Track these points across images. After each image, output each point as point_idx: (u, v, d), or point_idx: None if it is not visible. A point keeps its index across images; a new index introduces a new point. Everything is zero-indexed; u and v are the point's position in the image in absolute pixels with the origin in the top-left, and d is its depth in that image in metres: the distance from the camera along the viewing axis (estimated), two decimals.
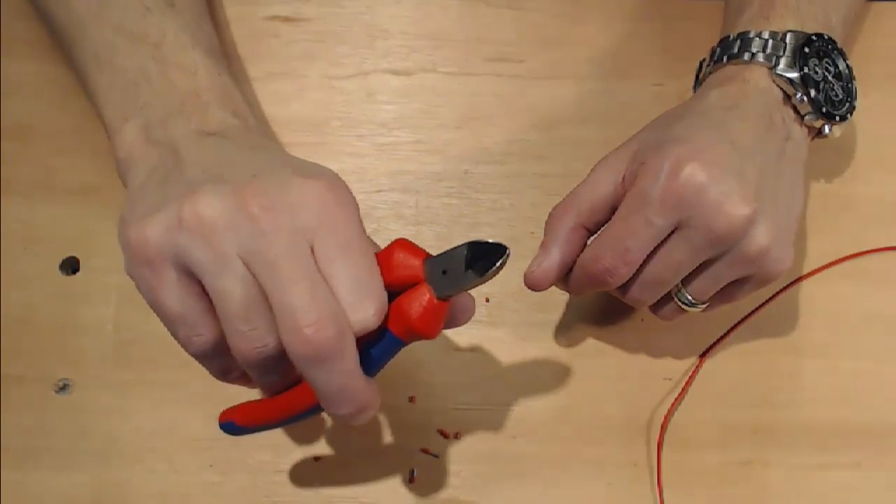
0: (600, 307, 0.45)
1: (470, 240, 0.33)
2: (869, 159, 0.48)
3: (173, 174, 0.34)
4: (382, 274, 0.33)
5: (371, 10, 0.49)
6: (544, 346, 0.45)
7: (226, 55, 0.45)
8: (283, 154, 0.37)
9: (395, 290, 0.33)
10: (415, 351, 0.44)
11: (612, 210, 0.38)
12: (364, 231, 0.33)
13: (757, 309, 0.45)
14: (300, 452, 0.43)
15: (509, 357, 0.44)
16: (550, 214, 0.40)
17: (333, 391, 0.32)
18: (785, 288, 0.45)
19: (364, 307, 0.32)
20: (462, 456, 0.43)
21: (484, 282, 0.32)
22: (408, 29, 0.49)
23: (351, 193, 0.34)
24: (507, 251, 0.32)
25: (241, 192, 0.31)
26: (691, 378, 0.44)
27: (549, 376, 0.44)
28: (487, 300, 0.45)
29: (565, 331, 0.45)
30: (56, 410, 0.43)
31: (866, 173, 0.47)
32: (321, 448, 0.43)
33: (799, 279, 0.46)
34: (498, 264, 0.32)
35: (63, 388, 0.43)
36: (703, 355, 0.44)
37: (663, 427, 0.43)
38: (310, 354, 0.31)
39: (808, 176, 0.47)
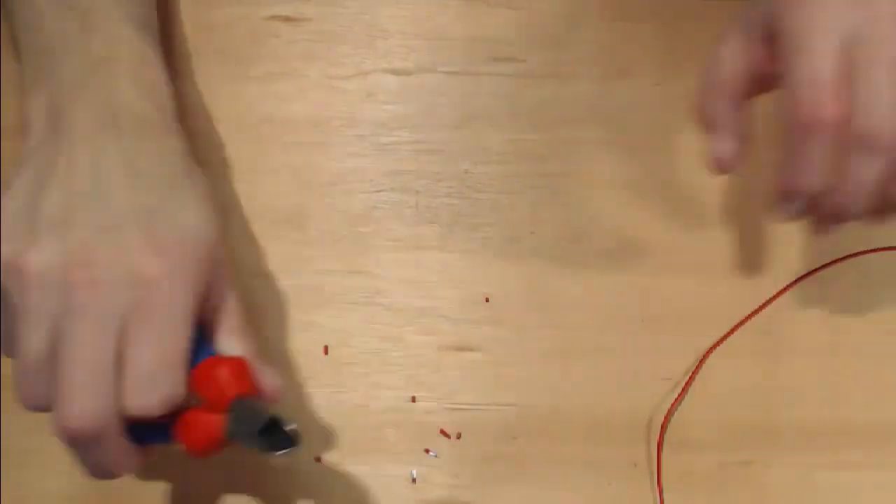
0: (600, 307, 0.45)
1: (276, 415, 0.34)
2: None
3: (46, 185, 0.34)
4: (199, 377, 0.34)
5: (371, 10, 0.49)
6: (544, 346, 0.45)
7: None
8: (167, 179, 0.36)
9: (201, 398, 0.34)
10: (415, 351, 0.44)
11: (757, 76, 0.36)
12: (188, 313, 0.33)
13: (757, 309, 0.45)
14: (300, 452, 0.43)
15: (509, 357, 0.44)
16: (701, 103, 0.38)
17: (92, 466, 0.34)
18: (785, 288, 0.45)
19: (149, 396, 0.32)
20: (462, 456, 0.43)
21: (267, 456, 0.34)
22: (408, 29, 0.49)
23: (202, 262, 0.34)
24: (297, 445, 0.33)
25: (72, 257, 0.32)
26: (691, 378, 0.44)
27: (549, 377, 0.44)
28: (487, 300, 0.45)
29: (565, 330, 0.45)
30: None
31: None
32: (321, 448, 0.43)
33: (799, 279, 0.46)
34: (281, 453, 0.34)
35: None
36: (703, 355, 0.44)
37: (663, 427, 0.43)
38: (64, 440, 0.32)
39: None
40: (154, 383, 0.32)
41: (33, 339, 0.32)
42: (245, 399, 0.34)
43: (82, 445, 0.33)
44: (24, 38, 0.38)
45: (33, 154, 0.35)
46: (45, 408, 0.33)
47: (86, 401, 0.32)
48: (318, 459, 0.43)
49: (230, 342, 0.36)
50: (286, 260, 0.45)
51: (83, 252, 0.32)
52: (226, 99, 0.47)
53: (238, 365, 0.34)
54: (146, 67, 0.38)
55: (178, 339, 0.33)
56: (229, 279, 0.37)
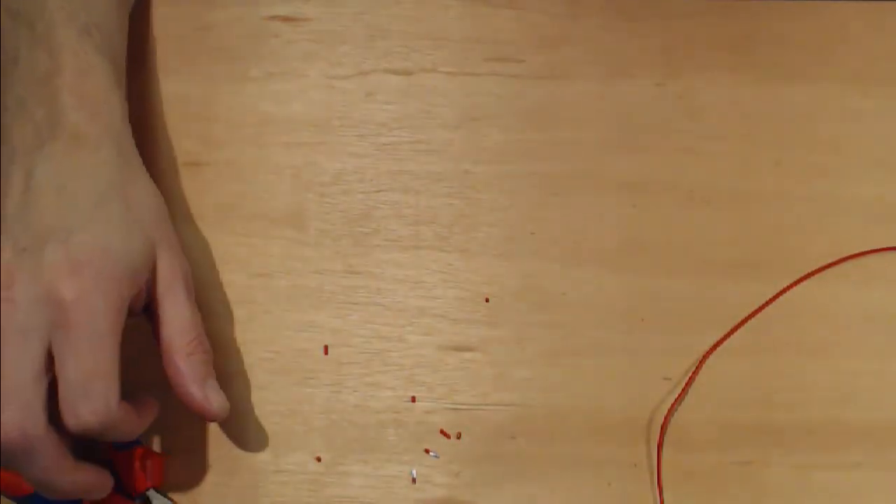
0: (600, 307, 0.45)
1: None
2: (869, 159, 0.48)
3: None
4: (122, 461, 0.39)
5: (371, 10, 0.49)
6: (544, 346, 0.45)
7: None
8: (94, 196, 0.36)
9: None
10: (415, 351, 0.44)
11: None
12: (109, 329, 0.34)
13: (757, 309, 0.45)
14: (300, 452, 0.43)
15: (509, 357, 0.44)
16: None
17: (36, 482, 0.34)
18: (785, 288, 0.45)
19: (79, 410, 0.33)
20: (462, 456, 0.43)
21: None
22: (408, 29, 0.49)
23: (122, 280, 0.35)
24: None
25: None
26: (691, 378, 0.44)
27: (549, 376, 0.44)
28: (487, 300, 0.45)
29: (565, 331, 0.45)
30: None
31: (867, 173, 0.47)
32: (321, 448, 0.43)
33: (799, 279, 0.46)
34: None
35: None
36: (703, 355, 0.44)
37: (663, 427, 0.43)
38: None
39: (808, 175, 0.47)
40: (82, 397, 0.34)
41: None
42: (157, 491, 0.40)
43: (15, 457, 0.33)
44: None
45: None
46: None
47: (10, 412, 0.33)
48: (319, 459, 0.43)
49: (187, 365, 0.38)
50: (286, 260, 0.45)
51: (4, 272, 0.34)
52: (226, 99, 0.47)
53: (158, 461, 0.41)
54: (88, 76, 0.38)
55: (100, 354, 0.34)
56: (178, 290, 0.38)
